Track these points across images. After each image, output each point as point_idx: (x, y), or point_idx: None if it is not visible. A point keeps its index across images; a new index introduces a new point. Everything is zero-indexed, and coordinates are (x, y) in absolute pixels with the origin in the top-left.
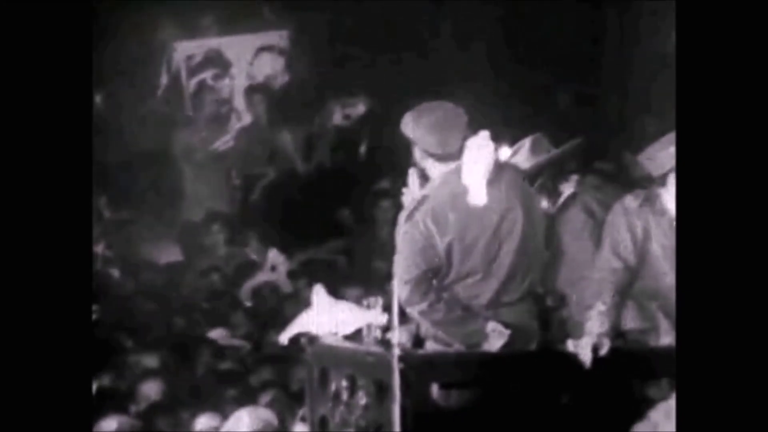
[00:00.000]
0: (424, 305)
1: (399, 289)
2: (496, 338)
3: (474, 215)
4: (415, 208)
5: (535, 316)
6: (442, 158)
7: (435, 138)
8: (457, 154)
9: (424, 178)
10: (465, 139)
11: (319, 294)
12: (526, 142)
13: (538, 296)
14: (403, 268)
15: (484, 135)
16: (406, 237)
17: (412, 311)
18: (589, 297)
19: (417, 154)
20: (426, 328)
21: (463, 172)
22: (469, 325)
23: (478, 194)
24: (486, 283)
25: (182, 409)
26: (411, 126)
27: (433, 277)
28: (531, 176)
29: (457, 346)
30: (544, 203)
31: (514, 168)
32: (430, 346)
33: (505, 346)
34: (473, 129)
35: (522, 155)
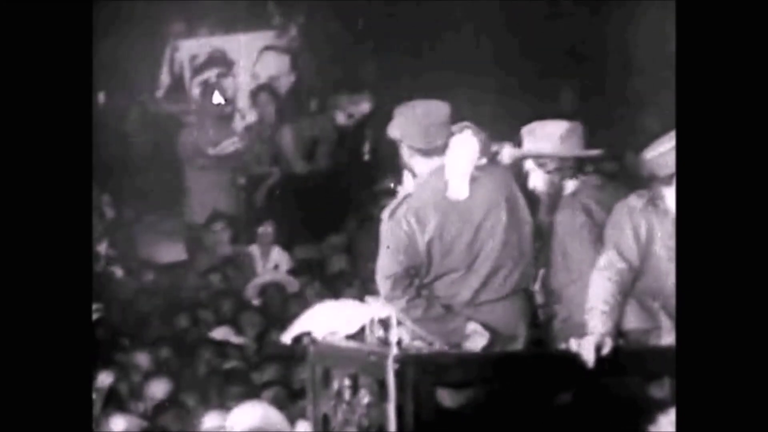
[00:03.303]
0: (403, 302)
1: (380, 285)
2: (476, 339)
3: (455, 211)
4: (399, 205)
5: (522, 315)
6: (427, 153)
7: (419, 129)
8: (442, 149)
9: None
10: (450, 134)
11: (316, 308)
12: (561, 127)
13: (527, 295)
14: (384, 265)
15: (467, 132)
16: (388, 234)
17: (395, 308)
18: (591, 296)
19: (405, 152)
20: (412, 329)
21: (445, 167)
22: (449, 324)
23: (458, 188)
24: (466, 281)
25: (187, 407)
26: (396, 123)
27: (415, 275)
28: (545, 163)
29: (439, 345)
30: (543, 189)
31: (503, 168)
32: (418, 346)
33: (486, 347)
34: (461, 126)
35: (548, 136)
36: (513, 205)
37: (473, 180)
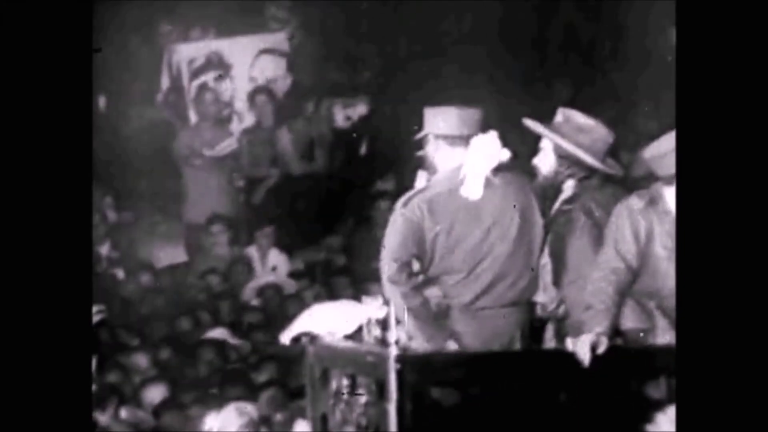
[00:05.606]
0: (406, 288)
1: (386, 266)
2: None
3: (467, 212)
4: (414, 195)
5: (520, 325)
6: (454, 142)
7: (451, 114)
8: (467, 141)
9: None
10: (478, 131)
11: (313, 308)
12: (599, 130)
13: (528, 306)
14: (393, 248)
15: (492, 134)
16: (400, 219)
17: (394, 291)
18: (589, 296)
19: (431, 146)
20: (408, 327)
21: (464, 164)
22: (434, 329)
23: (473, 187)
24: (469, 284)
25: (186, 408)
26: (432, 110)
27: (420, 267)
28: (567, 162)
29: (425, 344)
30: (545, 172)
31: (521, 177)
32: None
33: None
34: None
35: (582, 132)
36: (527, 216)
37: (490, 185)
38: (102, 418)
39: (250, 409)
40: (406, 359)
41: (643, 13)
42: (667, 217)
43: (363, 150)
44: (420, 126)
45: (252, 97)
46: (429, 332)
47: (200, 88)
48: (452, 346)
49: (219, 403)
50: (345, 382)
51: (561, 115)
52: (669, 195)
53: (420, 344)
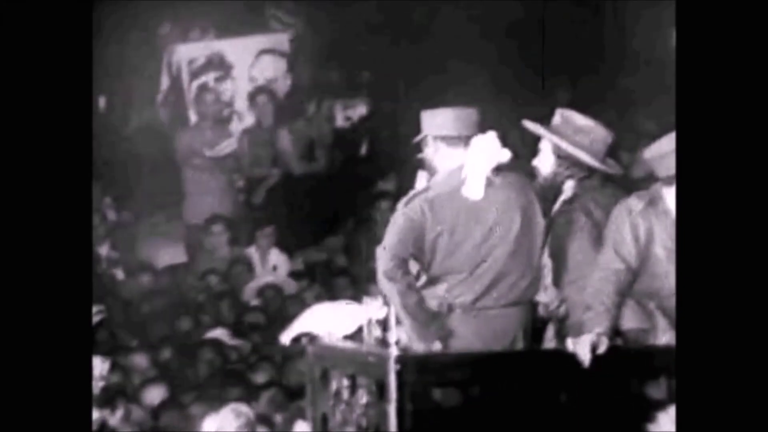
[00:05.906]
0: (402, 285)
1: (383, 261)
2: None
3: (469, 212)
4: (416, 195)
5: (522, 325)
6: (453, 143)
7: (449, 115)
8: (466, 141)
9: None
10: (476, 131)
11: (314, 309)
12: (598, 131)
13: (530, 306)
14: (391, 245)
15: (491, 135)
16: (402, 218)
17: (390, 288)
18: (589, 297)
19: (430, 147)
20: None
21: (464, 165)
22: (426, 329)
23: (474, 188)
24: (471, 284)
25: (186, 407)
26: (424, 120)
27: (419, 267)
28: (565, 155)
29: (416, 344)
30: (545, 174)
31: (522, 176)
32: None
33: None
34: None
35: (581, 132)
36: (528, 215)
37: (491, 184)
38: (111, 419)
39: (246, 409)
40: (406, 360)
41: (643, 14)
42: (667, 217)
43: (363, 150)
44: (419, 129)
45: (252, 97)
46: (422, 332)
47: (200, 89)
48: (437, 346)
49: (219, 403)
50: (345, 382)
51: (560, 116)
52: (669, 196)
53: (418, 345)
